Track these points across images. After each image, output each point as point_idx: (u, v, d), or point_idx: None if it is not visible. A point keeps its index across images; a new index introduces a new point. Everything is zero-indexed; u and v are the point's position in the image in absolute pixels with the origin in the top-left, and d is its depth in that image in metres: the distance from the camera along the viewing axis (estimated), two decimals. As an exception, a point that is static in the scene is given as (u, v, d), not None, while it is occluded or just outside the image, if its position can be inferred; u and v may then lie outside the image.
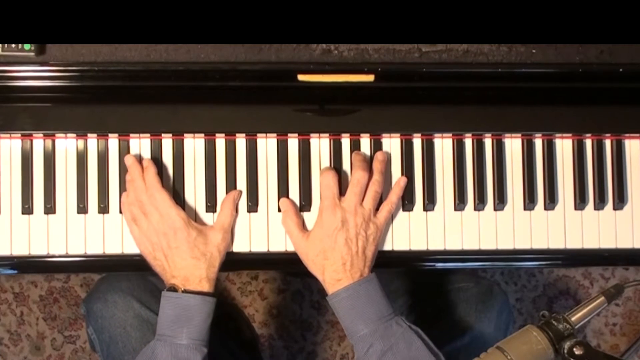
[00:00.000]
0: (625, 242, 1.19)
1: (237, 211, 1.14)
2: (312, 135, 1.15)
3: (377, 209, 1.12)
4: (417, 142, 1.17)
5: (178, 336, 1.04)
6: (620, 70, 1.12)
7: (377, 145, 1.16)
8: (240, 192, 1.14)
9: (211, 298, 1.07)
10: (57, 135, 1.13)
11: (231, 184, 1.14)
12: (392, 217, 1.15)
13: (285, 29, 1.03)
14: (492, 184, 1.18)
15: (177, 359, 1.03)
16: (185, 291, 1.06)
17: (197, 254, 1.07)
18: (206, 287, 1.07)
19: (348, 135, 1.16)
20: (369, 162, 1.14)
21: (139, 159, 1.13)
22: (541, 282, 1.89)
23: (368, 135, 1.16)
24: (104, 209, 1.13)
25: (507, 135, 1.18)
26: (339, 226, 1.07)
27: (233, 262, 1.13)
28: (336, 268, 1.06)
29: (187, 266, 1.07)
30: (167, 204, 1.08)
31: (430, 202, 1.16)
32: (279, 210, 1.14)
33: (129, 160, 1.12)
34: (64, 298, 1.82)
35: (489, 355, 0.85)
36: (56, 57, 1.07)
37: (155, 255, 1.08)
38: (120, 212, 1.12)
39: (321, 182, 1.11)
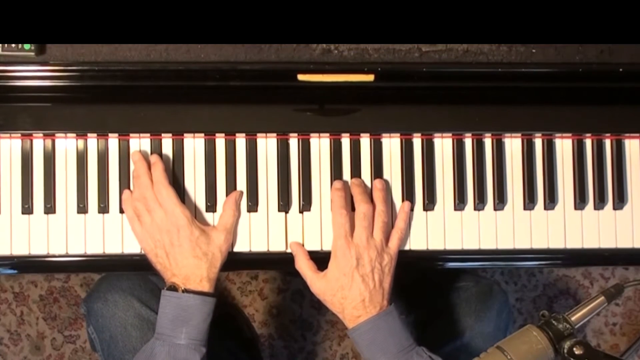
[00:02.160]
0: (625, 241, 1.19)
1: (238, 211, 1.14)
2: (312, 135, 1.15)
3: (386, 238, 1.11)
4: (417, 141, 1.17)
5: (177, 336, 1.04)
6: (620, 70, 1.12)
7: (377, 145, 1.16)
8: (242, 192, 1.14)
9: (211, 298, 1.07)
10: (57, 135, 1.13)
11: (231, 184, 1.14)
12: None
13: (285, 29, 1.03)
14: (492, 183, 1.18)
15: (176, 359, 1.03)
16: (185, 290, 1.06)
17: (199, 254, 1.07)
18: (206, 287, 1.07)
19: (348, 135, 1.16)
20: (369, 192, 1.14)
21: (146, 155, 1.13)
22: (541, 282, 1.89)
23: (368, 135, 1.16)
24: (104, 208, 1.13)
25: (507, 135, 1.18)
26: (354, 264, 1.06)
27: (233, 262, 1.13)
28: (355, 305, 1.06)
29: (188, 265, 1.07)
30: (173, 201, 1.08)
31: (430, 201, 1.16)
32: (279, 210, 1.14)
33: (135, 156, 1.12)
34: (64, 298, 1.82)
35: (489, 355, 0.85)
36: (56, 57, 1.07)
37: (156, 252, 1.08)
38: (121, 211, 1.12)
39: (333, 219, 1.11)
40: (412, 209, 1.16)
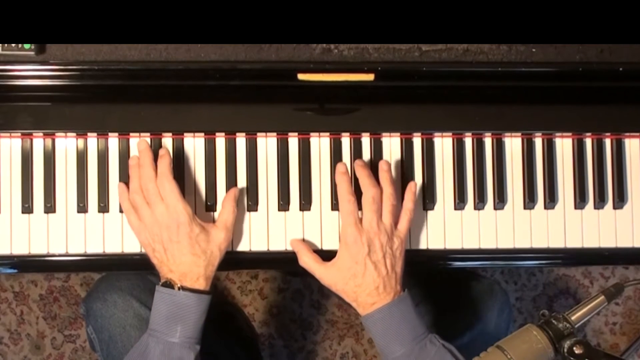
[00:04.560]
0: (625, 241, 1.19)
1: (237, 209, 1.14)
2: (312, 134, 1.15)
3: (395, 221, 1.10)
4: (417, 141, 1.17)
5: (171, 334, 1.03)
6: (620, 69, 1.12)
7: (377, 145, 1.16)
8: (240, 189, 1.13)
9: (206, 296, 1.06)
10: (57, 134, 1.13)
11: (231, 183, 1.14)
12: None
13: (285, 29, 1.03)
14: (492, 183, 1.18)
15: (170, 358, 1.02)
16: (181, 288, 1.05)
17: (198, 251, 1.06)
18: (203, 285, 1.06)
19: (348, 134, 1.16)
20: (372, 174, 1.12)
21: (153, 148, 1.12)
22: (541, 281, 1.89)
23: (368, 134, 1.16)
24: (104, 208, 1.13)
25: (507, 134, 1.18)
26: (366, 251, 1.05)
27: (233, 261, 1.13)
28: (369, 292, 1.05)
29: (186, 262, 1.06)
30: (176, 196, 1.06)
31: (430, 201, 1.16)
32: (279, 209, 1.14)
33: (141, 145, 1.10)
34: (64, 297, 1.82)
35: (489, 355, 0.85)
36: (56, 56, 1.07)
37: (154, 247, 1.07)
38: (121, 211, 1.12)
39: (341, 206, 1.09)
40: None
